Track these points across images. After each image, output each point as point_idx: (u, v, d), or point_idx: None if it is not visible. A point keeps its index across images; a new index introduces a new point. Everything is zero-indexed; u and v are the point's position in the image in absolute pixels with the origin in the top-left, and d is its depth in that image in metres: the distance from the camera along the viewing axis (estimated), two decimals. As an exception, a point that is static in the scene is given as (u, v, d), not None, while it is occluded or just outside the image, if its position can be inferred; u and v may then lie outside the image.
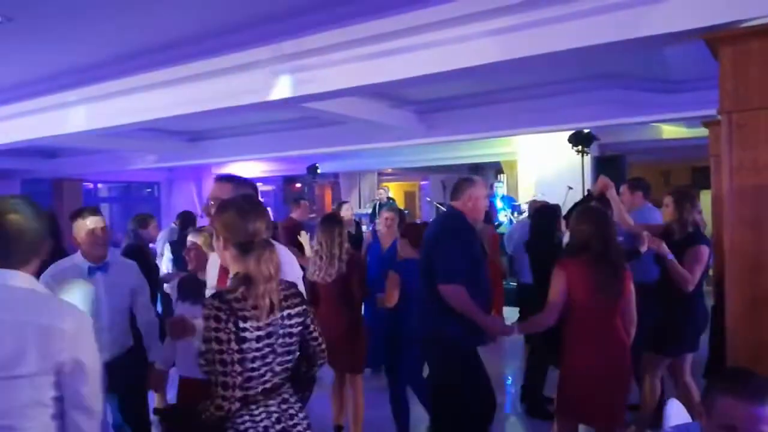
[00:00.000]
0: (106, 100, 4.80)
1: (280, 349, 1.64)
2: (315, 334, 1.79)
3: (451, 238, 2.77)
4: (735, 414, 1.44)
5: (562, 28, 2.88)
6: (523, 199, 8.36)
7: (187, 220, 5.81)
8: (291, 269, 2.16)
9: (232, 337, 1.52)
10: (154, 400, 3.35)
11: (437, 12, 3.12)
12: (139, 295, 2.89)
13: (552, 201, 4.97)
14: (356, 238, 5.61)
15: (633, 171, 8.36)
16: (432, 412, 3.05)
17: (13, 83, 4.96)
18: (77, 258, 2.71)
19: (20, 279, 1.42)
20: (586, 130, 6.78)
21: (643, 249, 3.08)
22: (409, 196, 16.78)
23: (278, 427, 1.63)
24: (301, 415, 1.72)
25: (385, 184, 12.90)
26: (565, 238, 3.44)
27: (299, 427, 1.68)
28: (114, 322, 2.74)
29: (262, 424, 1.60)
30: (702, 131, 5.33)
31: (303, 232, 4.42)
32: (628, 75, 5.29)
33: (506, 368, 5.10)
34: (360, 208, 11.09)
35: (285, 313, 1.67)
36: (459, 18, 3.08)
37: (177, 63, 4.17)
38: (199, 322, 1.94)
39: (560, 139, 7.17)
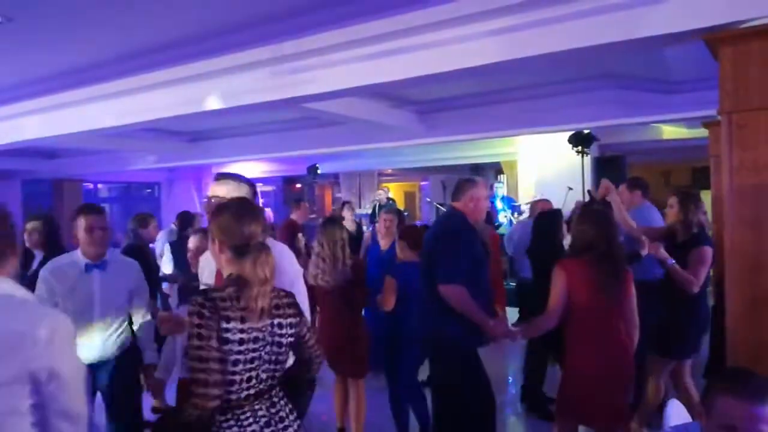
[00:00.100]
0: (106, 101, 4.81)
1: (266, 357, 1.61)
2: (311, 342, 1.77)
3: (452, 238, 2.76)
4: (735, 414, 1.44)
5: (562, 28, 2.88)
6: (523, 199, 8.36)
7: (186, 221, 5.82)
8: (290, 266, 2.17)
9: (214, 335, 1.50)
10: (150, 400, 3.34)
11: (437, 12, 3.12)
12: (137, 296, 2.86)
13: (552, 201, 4.97)
14: (356, 239, 5.61)
15: (633, 171, 8.36)
16: (432, 412, 3.05)
17: (14, 83, 4.96)
18: (76, 255, 2.71)
19: None
20: (586, 131, 6.78)
21: (644, 252, 3.08)
22: (409, 197, 16.78)
23: (267, 430, 1.61)
24: (291, 417, 1.70)
25: (385, 184, 12.90)
26: (566, 242, 3.43)
27: (290, 430, 1.66)
28: (108, 321, 2.72)
29: (249, 429, 1.57)
30: (702, 132, 5.33)
31: (299, 236, 4.42)
32: (628, 75, 5.30)
33: (507, 368, 5.10)
34: (360, 208, 11.10)
35: (275, 321, 1.64)
36: (459, 18, 3.09)
37: (177, 63, 4.17)
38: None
39: (560, 139, 7.17)
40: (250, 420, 1.58)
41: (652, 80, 5.33)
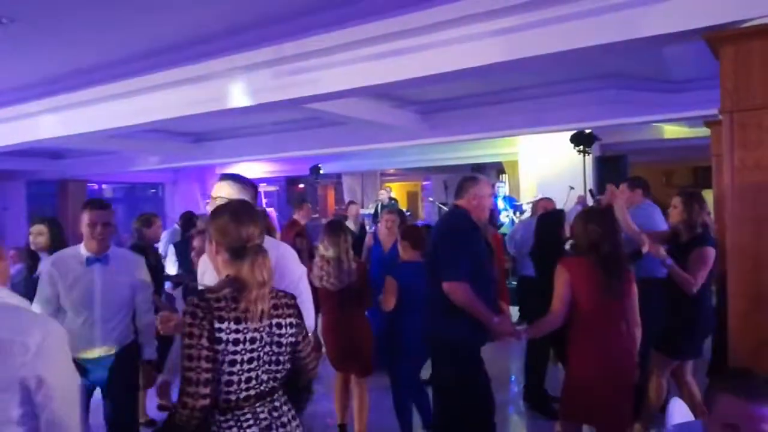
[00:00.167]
0: (111, 102, 4.83)
1: (266, 357, 1.60)
2: (304, 353, 1.75)
3: (456, 235, 2.76)
4: (736, 413, 1.45)
5: (564, 28, 2.89)
6: (525, 199, 8.36)
7: (189, 222, 5.83)
8: (295, 266, 2.19)
9: (205, 334, 1.50)
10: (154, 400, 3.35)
11: (438, 13, 3.13)
12: (140, 293, 2.84)
13: (554, 200, 4.98)
14: (359, 238, 5.63)
15: (634, 171, 8.33)
16: (434, 410, 3.06)
17: (18, 85, 4.99)
18: (80, 248, 2.73)
19: None
20: (587, 130, 6.77)
21: (645, 249, 3.09)
22: (411, 197, 16.78)
23: None
24: (294, 423, 1.69)
25: (387, 184, 12.91)
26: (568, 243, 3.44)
27: None
28: (108, 316, 2.71)
29: (249, 431, 1.57)
30: (704, 131, 5.33)
31: (299, 238, 4.44)
32: (629, 75, 5.30)
33: (509, 367, 5.11)
34: (363, 208, 11.12)
35: (274, 321, 1.63)
36: (461, 19, 3.10)
37: (181, 65, 4.19)
38: None
39: (562, 139, 7.17)
40: (251, 422, 1.58)
41: (653, 80, 5.33)
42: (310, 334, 1.92)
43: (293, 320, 1.69)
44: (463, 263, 2.66)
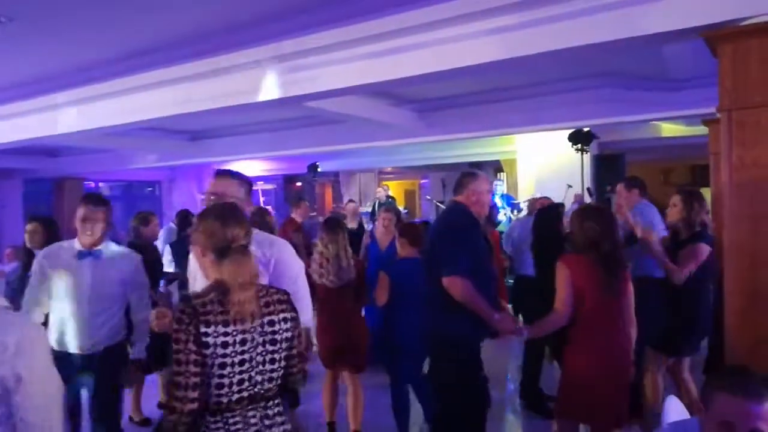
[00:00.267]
0: (108, 99, 4.82)
1: (259, 358, 1.59)
2: (294, 352, 1.72)
3: (455, 231, 2.74)
4: (732, 411, 1.45)
5: (561, 26, 2.89)
6: (523, 197, 8.36)
7: (185, 220, 5.81)
8: (294, 261, 2.18)
9: (191, 338, 1.51)
10: (154, 399, 3.35)
11: (436, 11, 3.13)
12: (135, 290, 2.81)
13: (551, 199, 4.98)
14: (357, 235, 5.62)
15: (633, 169, 8.35)
16: (432, 407, 3.05)
17: (15, 82, 4.98)
18: (73, 241, 2.73)
19: None
20: (585, 129, 6.78)
21: (639, 233, 3.10)
22: (409, 195, 16.79)
23: None
24: (287, 427, 1.68)
25: (385, 182, 12.91)
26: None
27: None
28: (97, 311, 2.69)
29: None
30: (702, 129, 5.34)
31: (295, 233, 4.44)
32: (627, 73, 5.30)
33: (505, 365, 5.11)
34: (361, 206, 11.11)
35: (266, 320, 1.62)
36: (459, 17, 3.09)
37: (178, 62, 4.18)
38: None
39: (560, 137, 7.17)
40: (239, 426, 1.57)
41: (651, 78, 5.33)
42: (303, 332, 1.92)
43: (287, 315, 1.68)
44: (464, 259, 2.64)
